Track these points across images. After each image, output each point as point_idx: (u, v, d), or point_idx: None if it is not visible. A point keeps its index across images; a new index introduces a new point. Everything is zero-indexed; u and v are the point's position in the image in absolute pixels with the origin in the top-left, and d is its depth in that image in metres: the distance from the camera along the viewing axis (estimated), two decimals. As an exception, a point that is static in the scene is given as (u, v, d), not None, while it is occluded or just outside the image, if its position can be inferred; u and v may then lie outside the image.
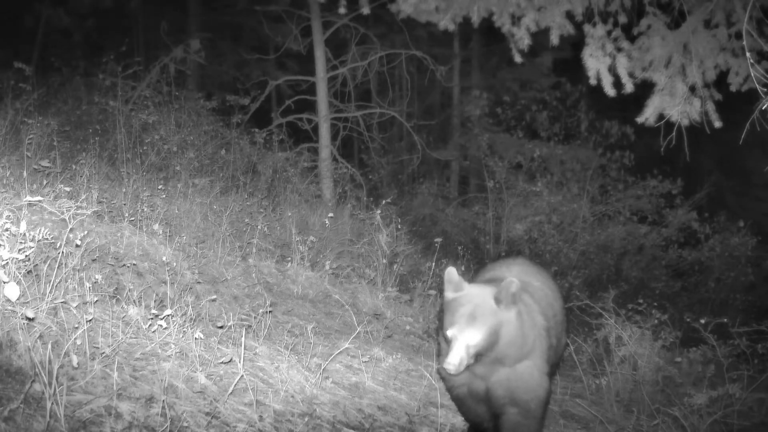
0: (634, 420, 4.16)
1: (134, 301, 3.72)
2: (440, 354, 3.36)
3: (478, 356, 2.98)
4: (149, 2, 11.06)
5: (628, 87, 4.44)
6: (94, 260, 4.01)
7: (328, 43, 9.55)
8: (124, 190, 5.50)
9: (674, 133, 4.59)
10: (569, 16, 4.38)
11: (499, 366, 3.08)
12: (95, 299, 3.42)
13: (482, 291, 3.08)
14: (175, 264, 4.62)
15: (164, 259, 4.52)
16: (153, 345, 3.36)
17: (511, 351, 3.04)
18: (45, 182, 4.84)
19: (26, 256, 3.28)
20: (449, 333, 3.00)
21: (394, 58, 10.50)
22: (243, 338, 3.64)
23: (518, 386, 3.11)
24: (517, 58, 4.60)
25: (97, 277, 3.65)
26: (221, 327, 3.86)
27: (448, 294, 3.11)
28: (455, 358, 2.91)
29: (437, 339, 3.59)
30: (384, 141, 12.23)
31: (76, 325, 3.10)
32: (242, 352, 3.52)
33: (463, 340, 2.95)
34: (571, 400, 4.50)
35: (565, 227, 10.08)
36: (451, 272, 3.14)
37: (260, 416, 3.17)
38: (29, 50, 9.92)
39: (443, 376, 3.34)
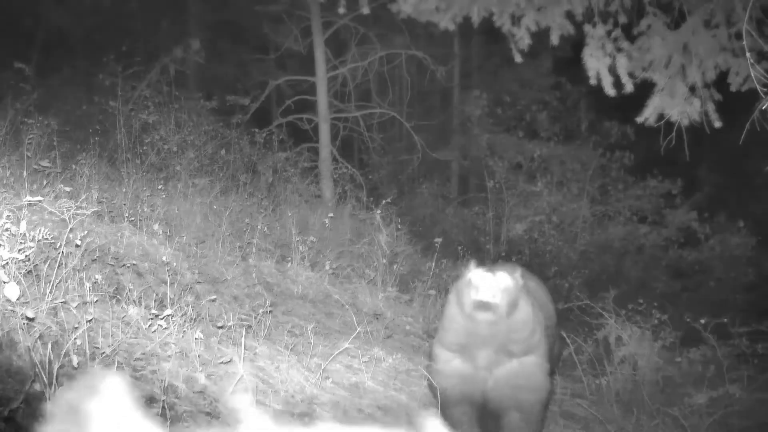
0: (634, 420, 4.16)
1: (134, 301, 3.72)
2: (431, 358, 3.33)
3: (501, 310, 2.91)
4: (149, 2, 11.04)
5: (628, 87, 4.44)
6: (94, 260, 4.01)
7: (328, 43, 9.54)
8: (124, 190, 5.50)
9: (674, 133, 4.59)
10: (569, 16, 4.37)
11: (506, 357, 3.04)
12: (95, 299, 3.42)
13: None
14: (175, 264, 4.62)
15: (164, 259, 4.52)
16: (153, 345, 3.36)
17: (523, 335, 3.01)
18: (45, 182, 4.84)
19: (26, 256, 3.27)
20: (476, 273, 2.96)
21: (394, 58, 10.49)
22: (243, 338, 3.64)
23: (523, 384, 3.06)
24: (517, 58, 4.59)
25: (97, 277, 3.64)
26: (221, 327, 3.86)
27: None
28: (489, 292, 2.88)
29: (432, 341, 3.55)
30: (384, 141, 12.22)
31: (76, 325, 3.10)
32: (242, 352, 3.53)
33: (500, 277, 2.93)
34: (571, 400, 4.50)
35: (565, 227, 10.08)
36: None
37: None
38: (29, 50, 9.91)
39: (434, 370, 3.28)
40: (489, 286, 2.90)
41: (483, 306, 2.91)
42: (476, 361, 3.06)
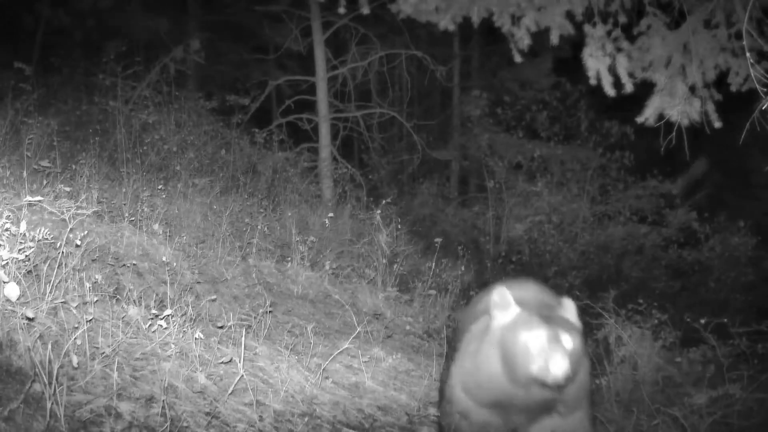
0: (634, 420, 4.15)
1: (134, 301, 3.72)
2: (448, 402, 2.67)
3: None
4: (149, 2, 11.05)
5: (628, 87, 4.44)
6: (94, 260, 4.01)
7: (328, 43, 9.54)
8: (124, 190, 5.50)
9: (674, 133, 4.59)
10: (569, 16, 4.37)
11: (548, 416, 2.47)
12: (95, 299, 3.42)
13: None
14: (175, 264, 4.62)
15: (164, 259, 4.52)
16: (153, 345, 3.36)
17: (577, 395, 2.46)
18: (45, 182, 4.84)
19: (26, 256, 3.28)
20: (533, 335, 2.28)
21: (394, 58, 10.50)
22: (243, 338, 3.64)
23: None
24: (517, 58, 4.59)
25: (97, 277, 3.65)
26: (221, 327, 3.86)
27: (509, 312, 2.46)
28: (558, 368, 2.20)
29: (448, 384, 2.71)
30: (384, 141, 12.23)
31: (76, 325, 3.10)
32: (242, 352, 3.52)
33: (566, 342, 2.26)
34: (571, 400, 4.49)
35: (565, 227, 10.09)
36: (503, 293, 2.50)
37: (260, 416, 3.17)
38: (29, 50, 9.91)
39: (454, 416, 2.64)
40: (557, 359, 2.21)
41: (548, 384, 2.26)
42: (511, 417, 2.51)
